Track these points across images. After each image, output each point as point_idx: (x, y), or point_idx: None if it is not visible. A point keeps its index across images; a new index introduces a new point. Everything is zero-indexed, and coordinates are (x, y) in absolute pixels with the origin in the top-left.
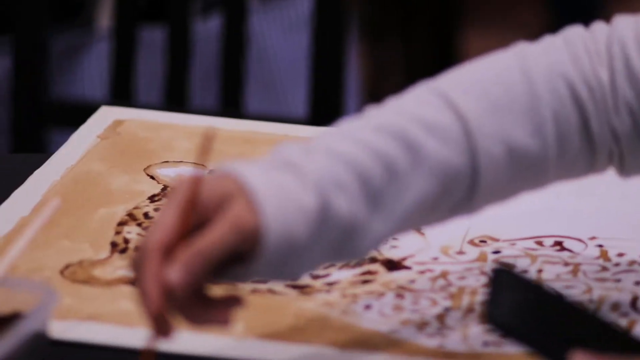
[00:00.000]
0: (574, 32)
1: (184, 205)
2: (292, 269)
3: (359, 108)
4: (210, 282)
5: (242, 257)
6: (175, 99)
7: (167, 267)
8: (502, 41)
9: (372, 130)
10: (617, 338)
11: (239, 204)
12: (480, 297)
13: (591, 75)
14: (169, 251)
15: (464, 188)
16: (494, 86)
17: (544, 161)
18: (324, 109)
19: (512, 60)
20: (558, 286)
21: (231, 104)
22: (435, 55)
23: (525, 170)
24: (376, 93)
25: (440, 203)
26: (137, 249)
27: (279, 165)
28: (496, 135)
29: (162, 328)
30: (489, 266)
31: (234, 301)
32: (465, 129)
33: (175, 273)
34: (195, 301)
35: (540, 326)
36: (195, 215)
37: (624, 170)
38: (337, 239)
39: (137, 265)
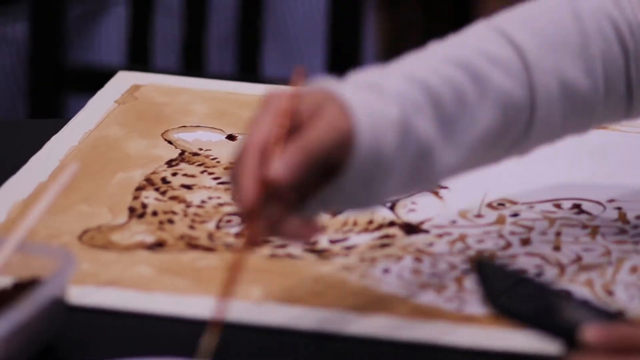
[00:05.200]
0: None
1: (281, 113)
2: (377, 188)
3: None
4: (305, 192)
5: (333, 170)
6: (193, 63)
7: (268, 164)
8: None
9: (440, 61)
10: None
11: (333, 109)
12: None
13: (632, 18)
14: (266, 153)
15: (523, 122)
16: (547, 24)
17: (593, 101)
18: (342, 71)
19: (562, 0)
20: (576, 249)
21: (249, 68)
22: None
23: (576, 109)
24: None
25: (502, 137)
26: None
27: (360, 84)
28: (552, 71)
29: (252, 229)
30: (507, 229)
31: (316, 225)
32: (525, 63)
33: (279, 167)
34: (287, 207)
35: (544, 310)
36: (290, 122)
37: None
38: (415, 159)
39: (235, 163)
